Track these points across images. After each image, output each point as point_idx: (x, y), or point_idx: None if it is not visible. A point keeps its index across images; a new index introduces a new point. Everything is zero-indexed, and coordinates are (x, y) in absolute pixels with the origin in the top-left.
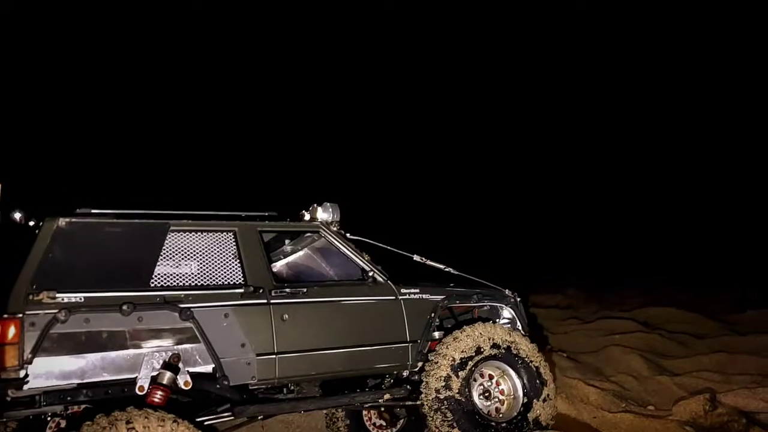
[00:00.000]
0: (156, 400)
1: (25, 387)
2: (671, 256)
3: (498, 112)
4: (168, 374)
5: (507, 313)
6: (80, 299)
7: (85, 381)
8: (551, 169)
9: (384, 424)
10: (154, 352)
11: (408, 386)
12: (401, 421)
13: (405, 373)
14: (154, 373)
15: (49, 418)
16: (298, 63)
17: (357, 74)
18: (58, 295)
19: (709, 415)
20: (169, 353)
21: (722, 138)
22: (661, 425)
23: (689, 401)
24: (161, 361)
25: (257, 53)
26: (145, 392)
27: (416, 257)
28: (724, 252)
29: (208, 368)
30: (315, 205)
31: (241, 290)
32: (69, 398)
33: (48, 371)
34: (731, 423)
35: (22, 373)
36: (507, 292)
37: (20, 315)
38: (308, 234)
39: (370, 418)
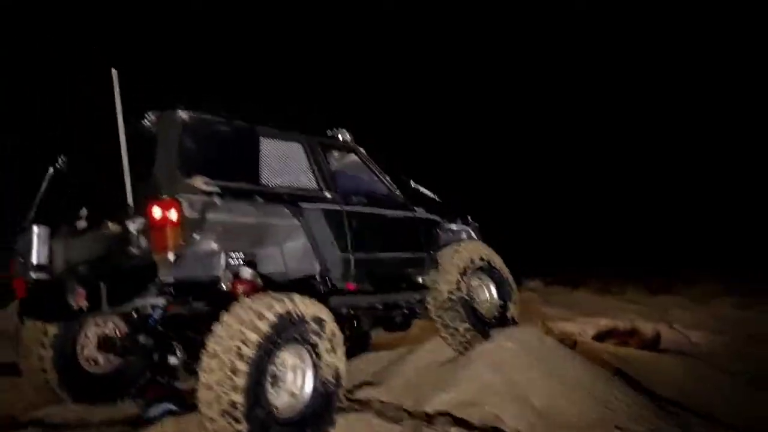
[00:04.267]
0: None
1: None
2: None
3: (495, 110)
4: (250, 271)
5: (466, 235)
6: (217, 188)
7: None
8: None
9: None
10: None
11: (425, 288)
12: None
13: (420, 279)
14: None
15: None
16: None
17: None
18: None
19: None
20: (246, 253)
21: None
22: None
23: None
24: (241, 260)
25: None
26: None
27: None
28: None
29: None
30: (335, 128)
31: (330, 194)
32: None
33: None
34: (563, 341)
35: (172, 257)
36: (469, 218)
37: (177, 198)
38: (338, 154)
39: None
